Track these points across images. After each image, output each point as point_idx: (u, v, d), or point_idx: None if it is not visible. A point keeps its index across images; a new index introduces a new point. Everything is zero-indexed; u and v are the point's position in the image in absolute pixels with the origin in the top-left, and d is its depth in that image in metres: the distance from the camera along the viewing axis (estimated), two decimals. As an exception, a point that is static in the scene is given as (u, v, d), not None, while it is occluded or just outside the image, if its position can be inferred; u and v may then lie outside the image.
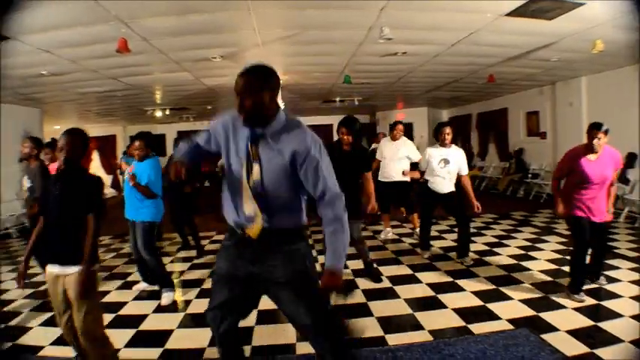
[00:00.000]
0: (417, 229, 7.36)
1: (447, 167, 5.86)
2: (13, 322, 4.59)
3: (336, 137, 5.22)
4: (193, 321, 4.46)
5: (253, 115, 2.30)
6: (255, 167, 2.34)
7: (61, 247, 2.98)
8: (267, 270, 2.44)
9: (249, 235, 2.42)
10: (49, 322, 4.51)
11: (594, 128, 4.36)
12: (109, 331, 4.12)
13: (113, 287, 5.57)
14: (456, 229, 6.40)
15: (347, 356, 2.62)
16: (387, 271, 5.71)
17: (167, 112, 13.74)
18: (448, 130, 5.89)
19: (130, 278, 5.87)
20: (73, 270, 2.93)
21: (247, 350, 3.75)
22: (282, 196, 2.40)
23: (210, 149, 2.58)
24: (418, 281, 5.30)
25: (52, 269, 3.00)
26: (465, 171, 5.96)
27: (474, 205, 5.79)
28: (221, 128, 2.48)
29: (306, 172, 2.36)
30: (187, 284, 5.60)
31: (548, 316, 4.12)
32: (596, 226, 4.51)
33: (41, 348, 3.97)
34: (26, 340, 4.18)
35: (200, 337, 3.99)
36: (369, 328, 4.06)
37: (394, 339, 3.80)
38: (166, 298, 5.07)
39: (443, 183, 5.91)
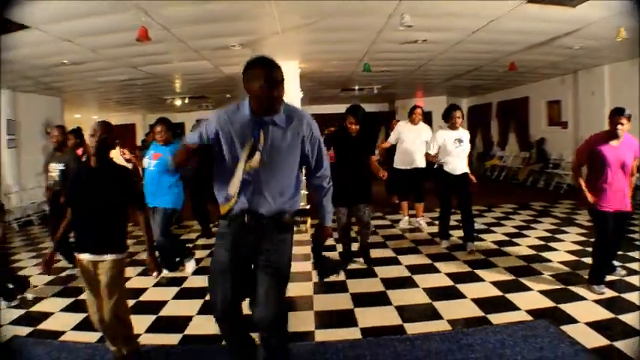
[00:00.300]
0: (420, 219, 7.58)
1: (462, 146, 5.99)
2: (35, 308, 4.69)
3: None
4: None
5: (279, 104, 2.51)
6: (257, 154, 2.50)
7: (93, 236, 3.05)
8: (261, 252, 2.63)
9: (223, 212, 2.64)
10: (71, 308, 4.64)
11: (617, 114, 4.24)
12: (130, 317, 4.25)
13: (134, 273, 5.65)
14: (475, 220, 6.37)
15: (287, 348, 2.97)
16: (406, 260, 5.72)
17: (186, 101, 13.79)
18: (459, 113, 6.04)
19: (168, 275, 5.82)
20: (107, 258, 3.04)
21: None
22: (282, 180, 2.63)
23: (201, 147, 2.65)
24: (437, 271, 5.28)
25: (85, 256, 3.08)
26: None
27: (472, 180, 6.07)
28: (217, 124, 2.57)
29: (310, 148, 2.67)
30: (206, 271, 5.65)
31: (567, 307, 4.08)
32: (617, 215, 4.39)
33: (62, 333, 4.05)
34: (48, 325, 4.27)
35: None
36: (387, 316, 4.08)
37: (412, 328, 3.81)
38: (190, 266, 5.51)
39: (457, 163, 5.98)
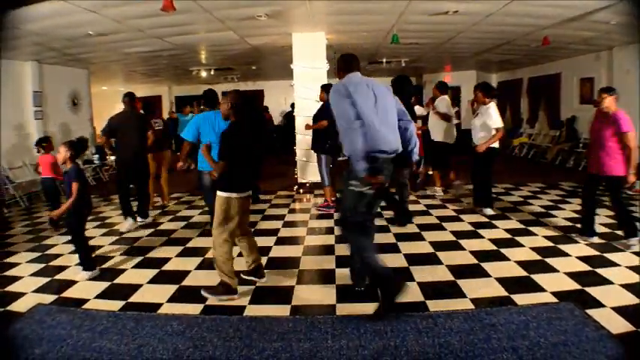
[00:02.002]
0: (438, 188, 8.23)
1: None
2: (60, 276, 4.76)
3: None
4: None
5: None
6: None
7: (249, 179, 4.16)
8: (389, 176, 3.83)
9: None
10: (93, 277, 4.70)
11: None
12: (152, 286, 4.34)
13: (158, 243, 5.75)
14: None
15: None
16: (430, 236, 5.66)
17: (212, 73, 13.79)
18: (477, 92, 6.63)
19: (190, 245, 5.83)
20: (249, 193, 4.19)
21: (287, 309, 3.79)
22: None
23: None
24: (462, 248, 5.21)
25: (240, 195, 4.03)
26: None
27: None
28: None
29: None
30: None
31: (594, 290, 3.96)
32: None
33: (86, 301, 4.12)
34: (71, 293, 4.34)
35: (241, 295, 4.08)
36: (410, 292, 4.02)
37: (435, 305, 3.77)
38: None
39: (475, 134, 6.58)
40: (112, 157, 11.76)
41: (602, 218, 6.26)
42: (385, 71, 15.05)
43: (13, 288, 4.51)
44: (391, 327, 3.38)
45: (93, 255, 4.92)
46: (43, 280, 4.66)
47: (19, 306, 4.06)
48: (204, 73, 13.75)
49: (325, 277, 4.49)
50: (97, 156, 11.80)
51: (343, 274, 4.47)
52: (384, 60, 12.74)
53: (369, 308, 3.71)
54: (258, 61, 12.23)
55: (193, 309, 3.86)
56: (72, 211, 4.67)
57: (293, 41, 8.82)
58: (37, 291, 4.40)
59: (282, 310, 3.77)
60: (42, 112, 10.05)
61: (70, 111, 11.26)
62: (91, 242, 5.81)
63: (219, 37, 8.56)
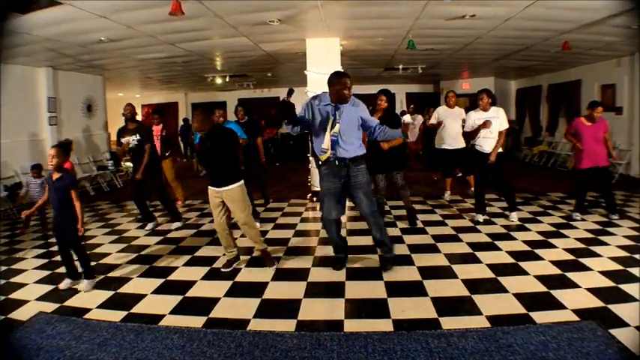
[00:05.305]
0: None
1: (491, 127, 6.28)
2: (62, 285, 4.64)
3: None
4: (240, 290, 4.42)
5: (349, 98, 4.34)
6: (337, 125, 4.28)
7: (220, 177, 4.72)
8: (351, 178, 4.46)
9: (321, 160, 4.42)
10: (97, 286, 4.62)
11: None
12: (156, 296, 4.21)
13: (166, 252, 5.64)
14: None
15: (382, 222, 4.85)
16: (445, 248, 5.46)
17: (227, 80, 13.76)
18: (483, 95, 6.37)
19: (198, 254, 5.78)
20: (229, 187, 4.71)
21: (292, 324, 3.64)
22: (352, 139, 4.41)
23: (304, 119, 4.42)
24: (478, 261, 5.00)
25: (215, 188, 4.76)
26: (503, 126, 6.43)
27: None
28: (311, 106, 4.42)
29: (366, 121, 4.50)
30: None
31: (617, 308, 3.73)
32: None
33: (88, 310, 4.02)
34: (74, 302, 4.26)
35: (246, 308, 3.95)
36: (423, 308, 3.86)
37: (449, 322, 3.57)
38: None
39: (487, 142, 6.35)
40: (127, 164, 11.83)
41: (626, 230, 6.01)
42: (402, 78, 14.87)
43: (17, 295, 4.44)
44: (401, 346, 3.19)
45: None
46: (47, 288, 4.58)
47: (21, 314, 3.97)
48: (219, 80, 13.74)
49: (335, 290, 4.32)
50: (111, 162, 11.81)
51: (353, 288, 4.32)
52: (401, 67, 12.58)
53: (378, 326, 3.54)
54: (274, 67, 12.16)
55: (196, 321, 3.73)
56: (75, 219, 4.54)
57: (307, 47, 8.69)
58: (40, 299, 4.33)
59: (287, 325, 3.62)
60: (56, 117, 10.09)
61: (84, 117, 11.30)
62: (99, 250, 5.79)
63: (233, 44, 8.49)
